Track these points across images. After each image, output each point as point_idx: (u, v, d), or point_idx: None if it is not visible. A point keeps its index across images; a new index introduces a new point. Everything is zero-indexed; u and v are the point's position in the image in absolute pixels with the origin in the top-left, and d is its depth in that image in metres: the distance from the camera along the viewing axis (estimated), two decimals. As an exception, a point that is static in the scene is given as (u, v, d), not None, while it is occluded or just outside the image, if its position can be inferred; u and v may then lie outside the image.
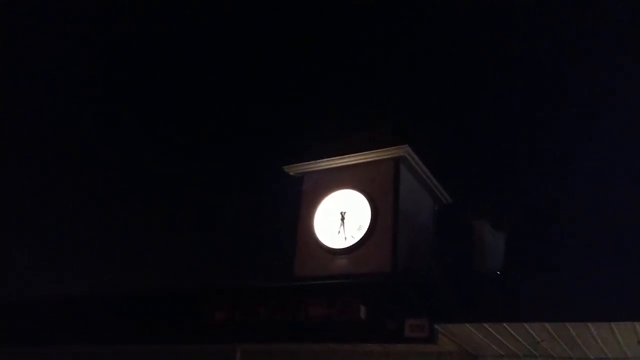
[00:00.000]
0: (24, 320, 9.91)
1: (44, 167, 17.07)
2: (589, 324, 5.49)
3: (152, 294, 9.26)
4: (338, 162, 9.29)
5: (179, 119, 17.78)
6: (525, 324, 5.77)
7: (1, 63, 16.09)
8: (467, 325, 5.99)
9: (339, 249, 8.62)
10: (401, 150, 8.83)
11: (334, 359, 7.42)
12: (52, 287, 13.79)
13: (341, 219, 8.82)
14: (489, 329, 5.96)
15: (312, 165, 9.50)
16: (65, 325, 9.30)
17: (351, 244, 8.54)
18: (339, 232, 8.73)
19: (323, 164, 9.40)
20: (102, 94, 17.24)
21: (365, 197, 8.76)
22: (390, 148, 8.90)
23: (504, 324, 5.84)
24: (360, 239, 8.51)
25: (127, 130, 17.50)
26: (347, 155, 9.21)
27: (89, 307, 9.45)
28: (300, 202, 9.38)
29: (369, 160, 9.07)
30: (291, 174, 9.67)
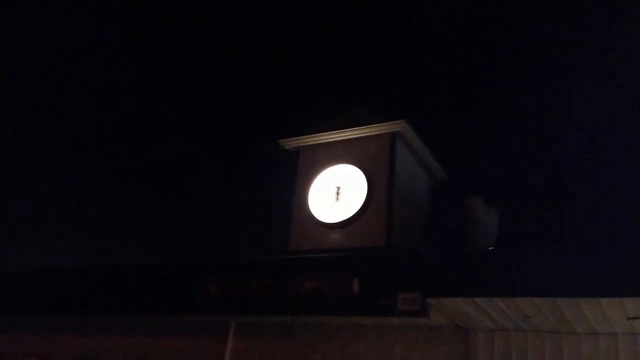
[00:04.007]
0: (21, 291, 10.00)
1: (43, 143, 17.03)
2: (579, 300, 5.56)
3: (147, 267, 9.32)
4: (334, 136, 9.29)
5: (175, 92, 17.67)
6: (516, 299, 5.84)
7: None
8: (458, 299, 6.06)
9: (334, 223, 8.66)
10: (397, 126, 8.83)
11: (326, 332, 7.52)
12: (49, 260, 13.86)
13: (336, 193, 8.85)
14: (480, 303, 6.04)
15: (307, 140, 9.49)
16: (62, 297, 9.39)
17: (346, 218, 8.59)
18: (334, 206, 8.77)
19: (319, 138, 9.40)
20: (101, 70, 17.11)
21: (361, 171, 8.79)
22: (386, 123, 8.90)
23: (495, 299, 5.91)
24: (355, 213, 8.55)
25: (124, 106, 17.42)
26: (344, 130, 9.20)
27: (87, 279, 9.53)
28: (296, 177, 9.40)
29: (365, 135, 9.07)
30: (286, 148, 9.67)
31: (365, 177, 8.70)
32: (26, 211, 16.63)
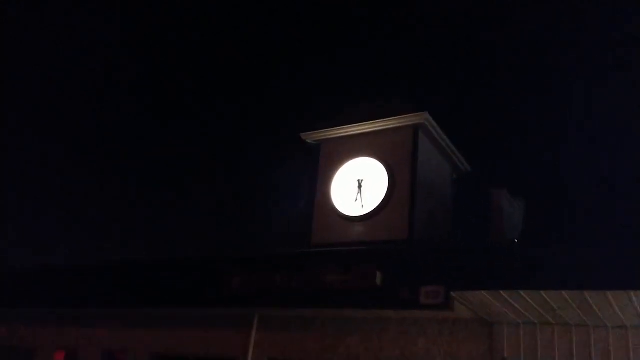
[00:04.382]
0: (48, 286, 10.20)
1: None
2: (607, 292, 5.43)
3: (173, 261, 9.42)
4: (356, 129, 9.23)
5: (193, 86, 17.77)
6: (542, 292, 5.72)
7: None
8: (483, 292, 5.96)
9: (356, 216, 8.63)
10: (420, 118, 8.74)
11: (349, 325, 7.49)
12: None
13: (358, 186, 8.81)
14: (506, 296, 5.94)
15: (329, 133, 9.46)
16: (89, 291, 9.55)
17: (368, 211, 8.55)
18: (356, 199, 8.74)
19: (341, 131, 9.36)
20: (110, 67, 17.28)
21: (382, 165, 8.72)
22: (409, 115, 8.82)
23: (521, 292, 5.81)
24: (377, 206, 8.50)
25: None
26: (365, 123, 9.14)
27: (113, 274, 9.68)
28: (318, 170, 9.38)
29: (387, 127, 9.00)
30: (309, 141, 9.65)
31: (387, 169, 8.64)
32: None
